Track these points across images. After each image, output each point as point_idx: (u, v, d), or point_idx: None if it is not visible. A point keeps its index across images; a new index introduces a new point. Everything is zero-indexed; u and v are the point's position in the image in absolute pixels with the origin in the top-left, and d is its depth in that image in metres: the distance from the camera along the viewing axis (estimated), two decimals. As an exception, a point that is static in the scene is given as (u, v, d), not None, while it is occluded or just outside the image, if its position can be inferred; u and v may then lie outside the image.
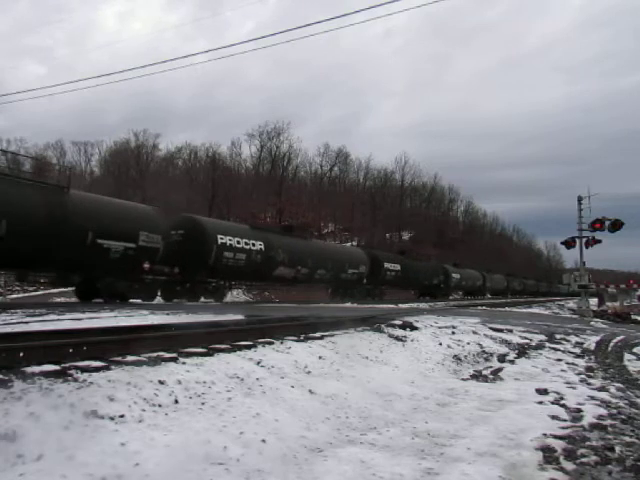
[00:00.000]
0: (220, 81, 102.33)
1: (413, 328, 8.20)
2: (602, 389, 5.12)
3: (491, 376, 5.97)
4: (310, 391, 4.14)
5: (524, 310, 23.08)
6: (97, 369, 3.56)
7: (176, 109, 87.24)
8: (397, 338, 7.42)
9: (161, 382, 3.51)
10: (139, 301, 14.82)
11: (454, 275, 38.11)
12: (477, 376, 5.96)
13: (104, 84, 16.31)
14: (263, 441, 2.91)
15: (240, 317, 8.81)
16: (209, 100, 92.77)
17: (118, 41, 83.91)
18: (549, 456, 2.97)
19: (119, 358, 4.00)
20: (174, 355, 4.31)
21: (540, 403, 4.40)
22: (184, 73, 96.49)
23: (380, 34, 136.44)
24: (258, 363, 4.62)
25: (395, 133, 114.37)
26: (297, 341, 5.95)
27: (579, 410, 4.13)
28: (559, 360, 7.31)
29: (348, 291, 25.64)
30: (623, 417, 3.98)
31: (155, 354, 4.24)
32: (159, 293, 16.89)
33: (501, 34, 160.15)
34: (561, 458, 2.94)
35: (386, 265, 28.50)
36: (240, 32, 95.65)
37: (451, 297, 37.28)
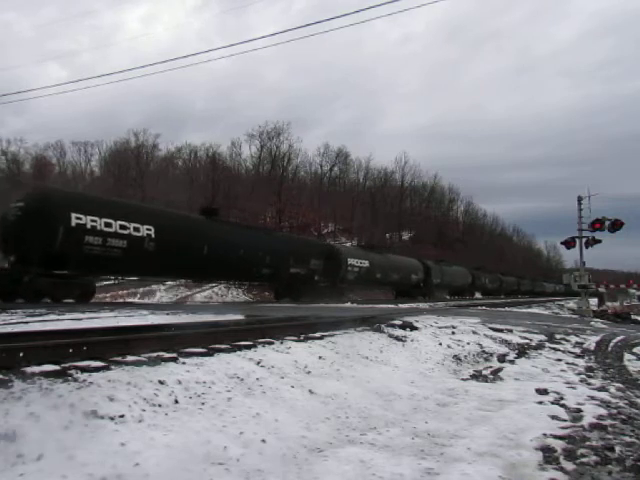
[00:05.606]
0: (237, 84, 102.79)
1: (413, 328, 8.20)
2: (602, 389, 5.12)
3: (491, 376, 5.97)
4: (310, 391, 4.13)
5: (524, 310, 23.08)
6: (97, 369, 3.56)
7: (193, 111, 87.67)
8: (397, 338, 7.42)
9: (161, 382, 3.51)
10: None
11: (356, 262, 22.69)
12: (477, 376, 5.96)
13: (105, 84, 16.32)
14: (263, 441, 2.91)
15: (240, 317, 8.82)
16: (226, 102, 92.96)
17: (140, 45, 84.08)
18: (549, 456, 2.96)
19: (119, 358, 3.99)
20: (174, 355, 4.30)
21: (540, 403, 4.39)
22: (202, 76, 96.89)
23: (397, 40, 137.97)
24: (258, 363, 4.62)
25: (402, 135, 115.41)
26: (297, 341, 5.94)
27: (579, 410, 4.13)
28: (559, 360, 7.31)
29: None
30: (623, 417, 3.98)
31: (155, 354, 4.23)
32: None
33: (511, 40, 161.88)
34: (561, 458, 2.93)
35: (83, 222, 13.01)
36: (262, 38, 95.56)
37: (346, 297, 22.42)
